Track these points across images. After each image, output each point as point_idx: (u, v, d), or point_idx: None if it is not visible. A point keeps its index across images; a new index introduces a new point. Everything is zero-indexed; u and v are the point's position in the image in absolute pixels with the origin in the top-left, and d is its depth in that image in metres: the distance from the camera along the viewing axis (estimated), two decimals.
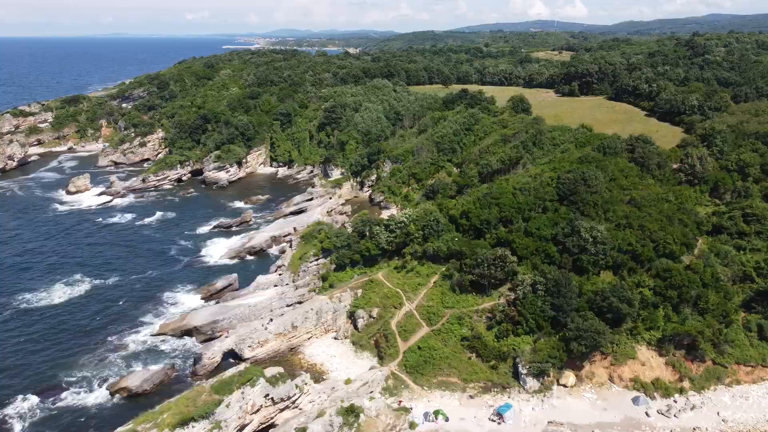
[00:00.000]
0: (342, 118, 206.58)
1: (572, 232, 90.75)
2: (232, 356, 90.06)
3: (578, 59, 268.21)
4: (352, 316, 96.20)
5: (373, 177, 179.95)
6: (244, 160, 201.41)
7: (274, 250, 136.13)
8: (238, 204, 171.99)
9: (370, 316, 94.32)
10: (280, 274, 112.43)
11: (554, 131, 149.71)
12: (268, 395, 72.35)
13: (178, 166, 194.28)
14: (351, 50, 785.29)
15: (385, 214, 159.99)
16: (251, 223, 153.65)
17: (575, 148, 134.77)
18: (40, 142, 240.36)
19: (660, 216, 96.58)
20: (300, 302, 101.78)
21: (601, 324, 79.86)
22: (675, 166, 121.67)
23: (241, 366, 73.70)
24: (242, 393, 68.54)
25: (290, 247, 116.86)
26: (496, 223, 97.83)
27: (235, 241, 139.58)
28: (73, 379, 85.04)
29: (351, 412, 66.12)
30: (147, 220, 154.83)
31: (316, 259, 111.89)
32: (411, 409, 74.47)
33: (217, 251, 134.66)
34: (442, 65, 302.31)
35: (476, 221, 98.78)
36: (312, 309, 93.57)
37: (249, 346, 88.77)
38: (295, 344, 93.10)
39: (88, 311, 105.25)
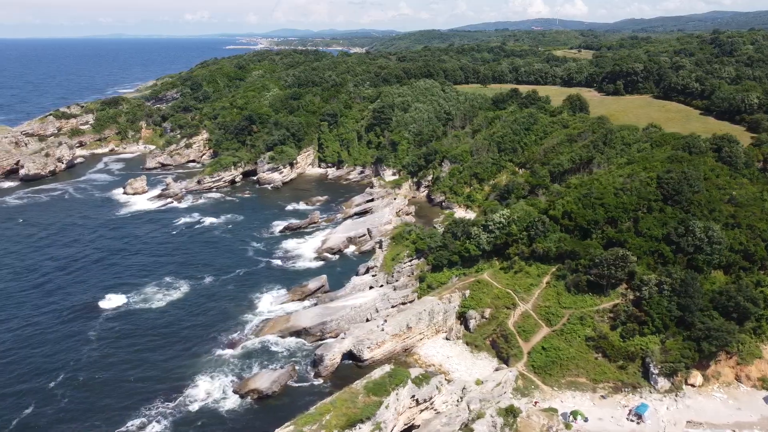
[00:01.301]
0: (391, 119, 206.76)
1: (686, 232, 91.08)
2: (349, 357, 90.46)
3: (622, 58, 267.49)
4: (462, 317, 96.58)
5: (430, 177, 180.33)
6: (294, 161, 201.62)
7: (351, 251, 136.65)
8: (298, 205, 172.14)
9: (482, 317, 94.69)
10: (373, 275, 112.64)
11: (623, 131, 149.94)
12: (414, 396, 72.76)
13: (232, 167, 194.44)
14: (357, 50, 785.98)
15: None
16: (319, 224, 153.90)
17: (651, 148, 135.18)
18: (82, 144, 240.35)
19: (764, 215, 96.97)
20: (403, 303, 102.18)
21: (731, 324, 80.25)
22: (758, 165, 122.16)
23: (386, 368, 73.94)
24: (397, 394, 68.91)
25: (380, 247, 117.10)
26: (603, 224, 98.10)
27: (310, 242, 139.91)
28: (199, 380, 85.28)
29: (510, 412, 66.47)
30: (215, 222, 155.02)
31: (410, 260, 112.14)
32: (557, 410, 74.72)
33: (295, 252, 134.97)
34: (478, 65, 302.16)
35: (582, 221, 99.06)
36: (425, 310, 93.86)
37: (368, 347, 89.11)
38: (409, 345, 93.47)
39: (190, 312, 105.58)
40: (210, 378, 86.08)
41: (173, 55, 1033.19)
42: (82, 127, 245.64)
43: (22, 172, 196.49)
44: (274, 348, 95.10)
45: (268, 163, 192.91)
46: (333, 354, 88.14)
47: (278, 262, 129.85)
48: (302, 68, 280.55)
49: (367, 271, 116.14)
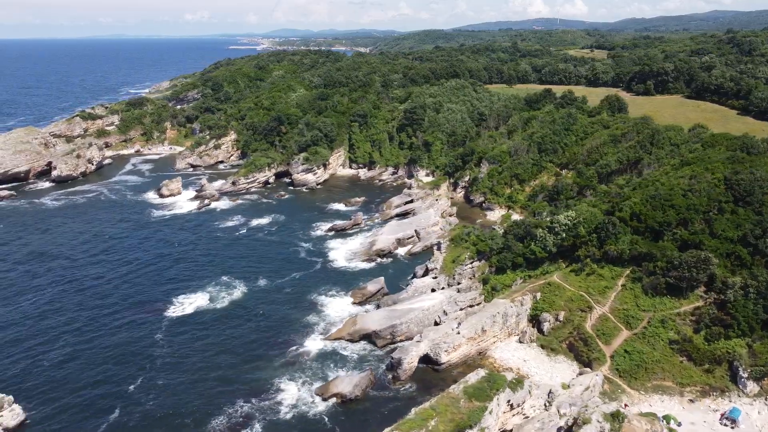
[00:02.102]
0: (423, 119, 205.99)
1: (764, 233, 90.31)
2: (424, 360, 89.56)
3: (650, 58, 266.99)
4: (534, 320, 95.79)
5: (467, 178, 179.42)
6: (327, 162, 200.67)
7: (401, 252, 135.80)
8: (337, 206, 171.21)
9: (557, 320, 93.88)
10: (434, 278, 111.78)
11: (669, 131, 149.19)
12: (509, 401, 71.94)
13: (266, 168, 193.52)
14: (361, 49, 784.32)
15: (489, 215, 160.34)
16: (362, 225, 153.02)
17: (702, 149, 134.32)
18: (108, 145, 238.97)
19: None
20: (471, 306, 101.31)
21: None
22: None
23: (481, 372, 73.10)
24: (497, 399, 68.09)
25: (438, 249, 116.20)
26: (675, 225, 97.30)
27: (358, 244, 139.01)
28: (279, 383, 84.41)
29: (616, 417, 65.60)
30: (259, 223, 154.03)
31: (471, 262, 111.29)
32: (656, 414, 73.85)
33: (343, 254, 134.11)
34: (497, 65, 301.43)
35: (652, 223, 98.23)
36: (498, 312, 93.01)
37: (445, 351, 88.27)
38: (483, 348, 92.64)
39: (254, 313, 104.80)
40: (289, 381, 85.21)
41: (178, 56, 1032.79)
42: (107, 128, 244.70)
43: (54, 173, 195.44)
44: (345, 351, 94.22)
45: (303, 164, 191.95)
46: (411, 357, 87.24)
47: (331, 263, 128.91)
48: (327, 68, 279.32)
49: (425, 273, 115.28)
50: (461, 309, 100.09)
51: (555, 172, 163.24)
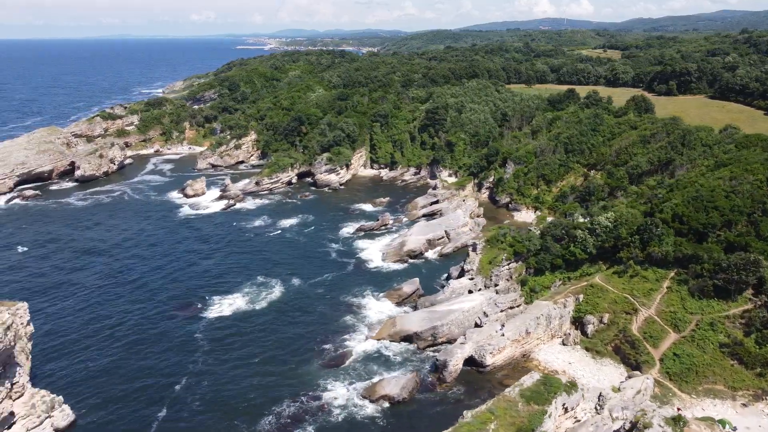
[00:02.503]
0: (446, 120, 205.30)
1: None
2: (469, 363, 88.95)
3: (672, 58, 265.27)
4: (577, 322, 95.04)
5: (492, 178, 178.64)
6: (349, 162, 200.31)
7: (431, 253, 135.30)
8: (362, 206, 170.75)
9: (601, 322, 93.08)
10: (470, 279, 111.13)
11: (699, 131, 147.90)
12: (564, 404, 71.25)
13: (289, 168, 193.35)
14: (368, 49, 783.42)
15: (517, 216, 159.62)
16: (390, 225, 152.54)
17: (737, 149, 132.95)
18: (127, 145, 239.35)
19: None
20: (511, 307, 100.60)
21: None
22: None
23: (535, 375, 72.45)
24: (555, 402, 67.44)
25: (473, 250, 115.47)
26: (719, 227, 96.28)
27: (388, 245, 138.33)
28: (323, 384, 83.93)
29: (678, 421, 64.80)
30: (287, 223, 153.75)
31: (508, 263, 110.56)
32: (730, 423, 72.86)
33: (374, 254, 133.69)
34: (513, 65, 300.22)
35: (696, 224, 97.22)
36: (542, 314, 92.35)
37: (490, 353, 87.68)
38: (527, 350, 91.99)
39: (291, 314, 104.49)
40: (334, 381, 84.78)
41: (187, 56, 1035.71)
42: (127, 128, 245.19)
43: (77, 173, 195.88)
44: (386, 352, 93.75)
45: (326, 164, 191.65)
46: (456, 359, 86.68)
47: (363, 264, 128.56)
48: (345, 68, 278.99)
49: (461, 275, 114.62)
50: (501, 311, 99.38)
51: (582, 173, 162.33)
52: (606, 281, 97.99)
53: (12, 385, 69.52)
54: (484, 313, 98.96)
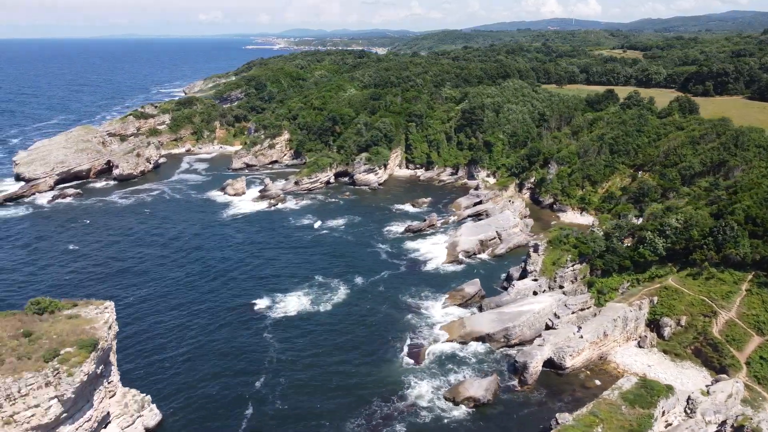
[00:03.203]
0: (483, 120, 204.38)
1: None
2: (546, 365, 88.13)
3: (708, 60, 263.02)
4: (652, 324, 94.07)
5: (533, 179, 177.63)
6: (386, 162, 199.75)
7: (484, 254, 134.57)
8: (404, 206, 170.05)
9: (678, 324, 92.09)
10: (533, 280, 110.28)
11: (752, 132, 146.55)
12: (662, 407, 70.35)
13: (328, 168, 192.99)
14: (378, 50, 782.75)
15: (563, 217, 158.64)
16: (438, 226, 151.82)
17: None
18: (160, 144, 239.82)
19: None
20: (582, 309, 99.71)
21: None
22: None
23: (632, 378, 71.71)
24: (660, 405, 66.57)
25: (535, 251, 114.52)
26: None
27: (440, 245, 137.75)
28: (404, 385, 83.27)
29: None
30: (333, 223, 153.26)
31: (572, 265, 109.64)
32: None
33: (426, 254, 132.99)
34: (545, 65, 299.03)
35: None
36: (619, 317, 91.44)
37: (570, 355, 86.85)
38: (604, 352, 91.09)
39: (357, 314, 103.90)
40: (415, 382, 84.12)
41: (198, 56, 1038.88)
42: (159, 127, 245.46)
43: (116, 171, 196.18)
44: (460, 353, 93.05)
45: (365, 164, 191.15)
46: (536, 361, 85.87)
47: (417, 264, 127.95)
48: (375, 68, 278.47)
49: (523, 275, 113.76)
50: (573, 312, 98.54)
51: (629, 174, 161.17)
52: (680, 283, 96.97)
53: (108, 383, 69.28)
54: (555, 314, 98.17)
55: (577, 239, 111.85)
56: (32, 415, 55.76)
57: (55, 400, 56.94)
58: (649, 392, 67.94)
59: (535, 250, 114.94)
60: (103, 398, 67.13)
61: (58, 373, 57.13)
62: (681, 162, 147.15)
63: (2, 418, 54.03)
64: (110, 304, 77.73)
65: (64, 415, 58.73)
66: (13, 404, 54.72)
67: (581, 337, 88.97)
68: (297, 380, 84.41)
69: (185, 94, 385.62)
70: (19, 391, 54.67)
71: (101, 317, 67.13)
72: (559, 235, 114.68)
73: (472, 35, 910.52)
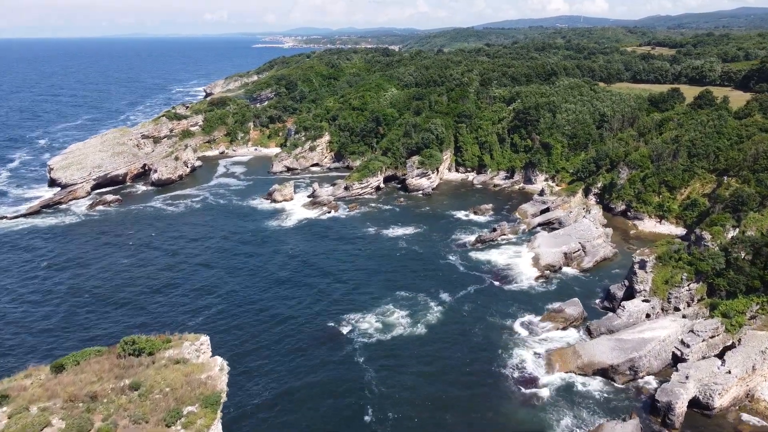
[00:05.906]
0: (539, 121, 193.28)
1: None
2: (691, 404, 77.38)
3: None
4: None
5: (599, 184, 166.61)
6: (439, 166, 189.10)
7: (572, 270, 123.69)
8: (465, 214, 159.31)
9: None
10: (644, 300, 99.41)
11: None
12: None
13: (378, 172, 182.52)
14: (394, 47, 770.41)
15: (641, 226, 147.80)
16: (509, 236, 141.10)
17: None
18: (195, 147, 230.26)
19: None
20: (712, 337, 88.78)
21: None
22: None
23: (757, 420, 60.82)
24: None
25: (641, 268, 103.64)
26: None
27: (518, 258, 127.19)
28: (532, 425, 72.88)
29: None
30: (396, 233, 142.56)
31: (688, 284, 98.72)
32: None
33: (505, 268, 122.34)
34: (589, 62, 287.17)
35: None
36: (766, 348, 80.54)
37: (718, 393, 76.00)
38: (750, 389, 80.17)
39: (447, 337, 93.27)
40: (545, 425, 73.57)
41: (209, 55, 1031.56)
42: (191, 128, 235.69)
43: (154, 176, 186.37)
44: (581, 387, 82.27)
45: (418, 168, 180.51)
46: (681, 401, 74.98)
47: (495, 278, 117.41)
48: (415, 66, 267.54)
49: (629, 294, 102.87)
50: (703, 340, 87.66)
51: (711, 180, 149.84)
52: None
53: None
54: (683, 342, 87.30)
55: (691, 255, 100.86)
56: None
57: None
58: None
59: (642, 267, 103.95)
60: None
61: None
62: None
63: None
64: (206, 339, 67.70)
65: None
66: None
67: (728, 372, 78.09)
68: (405, 412, 74.21)
69: (206, 93, 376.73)
70: None
71: (214, 363, 56.78)
72: (668, 250, 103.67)
73: (484, 33, 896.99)
